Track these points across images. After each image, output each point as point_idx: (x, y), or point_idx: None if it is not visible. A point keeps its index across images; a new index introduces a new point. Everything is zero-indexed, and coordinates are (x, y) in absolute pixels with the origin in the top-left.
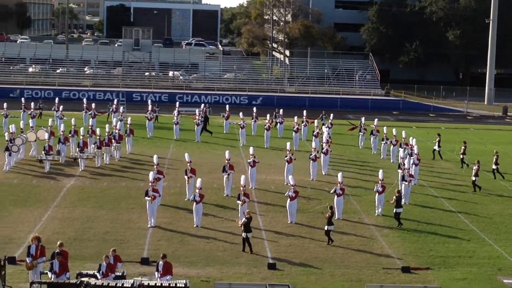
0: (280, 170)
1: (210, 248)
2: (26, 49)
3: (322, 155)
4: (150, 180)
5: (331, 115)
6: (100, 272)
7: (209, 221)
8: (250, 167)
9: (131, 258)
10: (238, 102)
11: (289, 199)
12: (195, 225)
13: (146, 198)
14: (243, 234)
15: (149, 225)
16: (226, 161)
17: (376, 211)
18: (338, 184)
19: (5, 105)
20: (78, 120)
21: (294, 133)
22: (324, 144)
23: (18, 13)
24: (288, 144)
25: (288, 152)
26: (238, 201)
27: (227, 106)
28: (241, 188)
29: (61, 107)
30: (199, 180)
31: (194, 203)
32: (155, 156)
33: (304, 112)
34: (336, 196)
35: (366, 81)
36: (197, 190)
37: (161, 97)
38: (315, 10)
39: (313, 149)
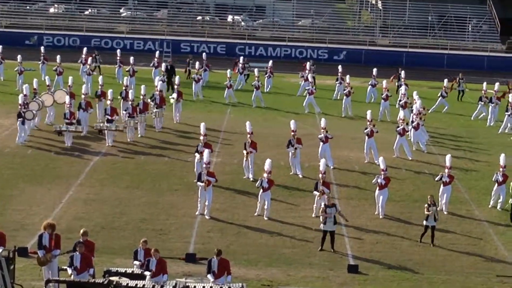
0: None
1: (274, 244)
2: None
3: (412, 130)
4: (205, 161)
5: (445, 80)
6: (150, 270)
7: (274, 209)
8: (322, 143)
9: (173, 253)
10: (315, 57)
11: (378, 188)
12: (256, 214)
13: (199, 183)
14: (326, 227)
15: (197, 212)
16: (292, 133)
17: (491, 202)
18: (446, 170)
19: (19, 57)
20: (109, 77)
21: (383, 100)
22: (414, 117)
23: None
24: (368, 113)
25: (368, 123)
26: (315, 192)
27: (308, 64)
28: (320, 176)
29: (89, 60)
30: (268, 162)
31: (261, 190)
32: (202, 124)
33: (402, 73)
34: (442, 185)
35: (482, 32)
36: (265, 175)
37: (216, 49)
38: None
39: (401, 121)
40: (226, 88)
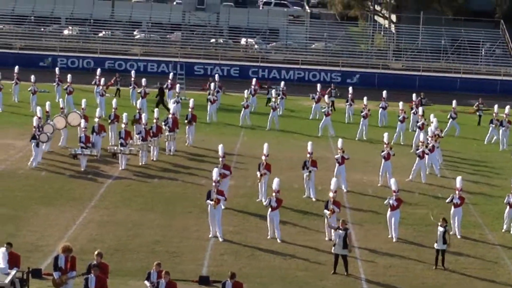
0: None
1: (287, 266)
2: (62, 6)
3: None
4: (214, 179)
5: (454, 102)
6: None
7: (287, 232)
8: (338, 165)
9: (186, 276)
10: (328, 80)
11: (389, 209)
12: (269, 237)
13: (208, 202)
14: (335, 250)
15: (210, 235)
16: (308, 155)
17: (504, 226)
18: (457, 192)
19: (32, 78)
20: (122, 99)
21: (399, 122)
22: (429, 139)
23: None
24: (385, 135)
25: (385, 146)
26: (326, 211)
27: (319, 85)
28: (331, 195)
29: (102, 81)
30: (276, 181)
31: (269, 209)
32: (220, 146)
33: (414, 96)
34: (453, 207)
35: (496, 56)
36: (273, 194)
37: (230, 71)
38: None
39: (420, 143)
40: (243, 108)
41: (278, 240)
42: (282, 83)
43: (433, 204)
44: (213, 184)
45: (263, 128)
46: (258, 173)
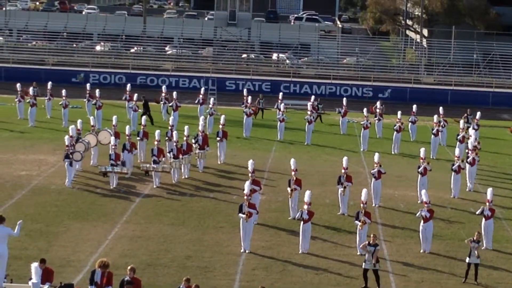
0: (412, 184)
1: (319, 281)
2: (94, 22)
3: (467, 165)
4: (245, 193)
5: (478, 113)
6: None
7: (319, 247)
8: (374, 179)
9: None
10: (360, 95)
11: (422, 221)
12: (300, 251)
13: (240, 215)
14: (366, 265)
15: (242, 250)
16: (343, 171)
17: None
18: (487, 204)
19: (63, 92)
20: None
21: (433, 136)
22: (469, 152)
23: None
24: (422, 150)
25: (422, 161)
26: (357, 222)
27: (345, 99)
28: (362, 206)
29: (135, 96)
30: (307, 193)
31: (301, 222)
32: (250, 162)
33: (441, 109)
34: (483, 219)
35: None
36: (305, 206)
37: (261, 86)
38: None
39: (456, 158)
40: (279, 122)
41: (304, 251)
42: (313, 97)
43: (466, 219)
44: (245, 197)
45: (296, 143)
46: (289, 189)
